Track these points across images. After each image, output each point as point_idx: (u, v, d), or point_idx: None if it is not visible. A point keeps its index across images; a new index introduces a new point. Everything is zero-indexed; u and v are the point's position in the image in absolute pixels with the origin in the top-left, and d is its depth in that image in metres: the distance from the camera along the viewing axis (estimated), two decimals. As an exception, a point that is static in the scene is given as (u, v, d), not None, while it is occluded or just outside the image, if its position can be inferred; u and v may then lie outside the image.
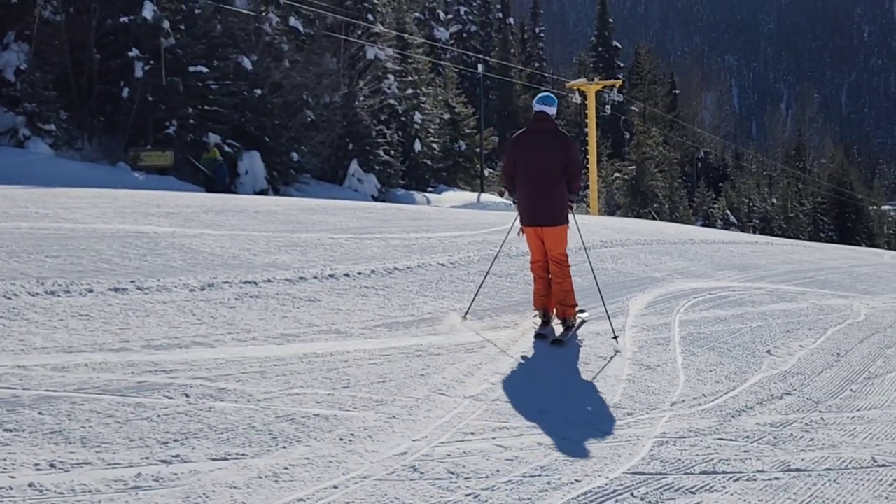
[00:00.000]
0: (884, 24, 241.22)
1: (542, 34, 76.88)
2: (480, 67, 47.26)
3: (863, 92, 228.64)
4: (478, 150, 45.68)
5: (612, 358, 6.83)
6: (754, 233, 52.11)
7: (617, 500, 4.20)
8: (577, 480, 4.37)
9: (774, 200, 68.74)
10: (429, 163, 41.45)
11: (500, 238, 11.76)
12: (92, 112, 26.71)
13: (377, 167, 34.50)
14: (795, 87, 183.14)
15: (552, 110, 7.30)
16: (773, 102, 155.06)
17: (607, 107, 49.45)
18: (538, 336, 7.21)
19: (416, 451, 4.53)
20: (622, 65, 71.88)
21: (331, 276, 8.19)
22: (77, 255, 7.59)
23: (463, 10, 64.33)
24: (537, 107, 7.33)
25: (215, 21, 29.28)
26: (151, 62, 26.09)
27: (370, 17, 37.07)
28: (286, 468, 4.13)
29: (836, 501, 4.50)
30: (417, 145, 39.70)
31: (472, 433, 4.88)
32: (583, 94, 45.48)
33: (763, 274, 13.12)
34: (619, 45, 72.58)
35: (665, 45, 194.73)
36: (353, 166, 33.57)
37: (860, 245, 54.98)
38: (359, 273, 8.48)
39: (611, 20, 73.78)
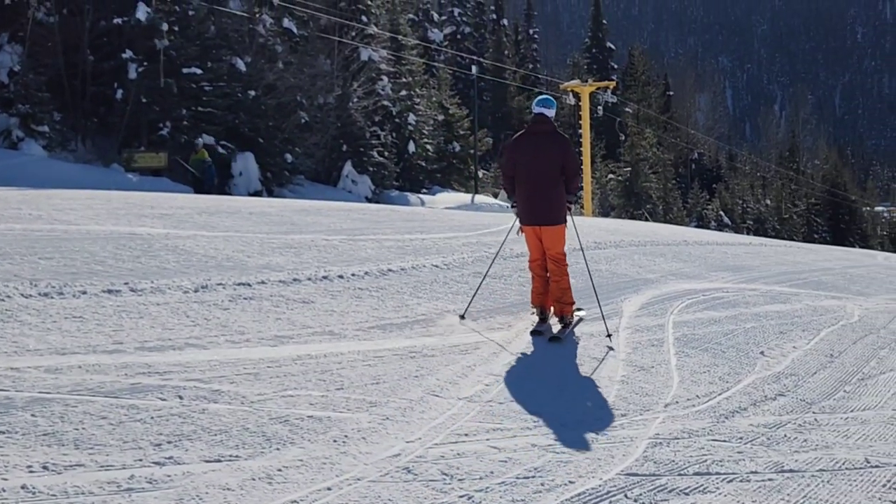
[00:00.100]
0: (877, 26, 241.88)
1: (536, 36, 76.97)
2: (474, 69, 47.31)
3: (856, 93, 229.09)
4: (472, 151, 45.67)
5: (606, 359, 6.84)
6: (748, 234, 52.21)
7: (611, 502, 4.20)
8: (570, 482, 4.38)
9: (768, 202, 68.88)
10: (423, 164, 41.42)
11: (493, 239, 11.78)
12: (85, 114, 26.66)
13: (371, 168, 34.47)
14: (789, 88, 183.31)
15: (551, 113, 7.46)
16: (766, 104, 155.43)
17: (599, 108, 49.43)
18: (535, 333, 7.29)
19: (410, 452, 4.53)
20: (616, 66, 71.94)
21: (325, 277, 8.18)
22: (70, 256, 7.58)
23: (457, 11, 64.35)
24: (536, 109, 7.48)
25: (209, 22, 29.23)
26: (145, 64, 26.04)
27: (364, 18, 37.02)
28: (280, 470, 4.12)
29: (830, 502, 4.51)
30: (411, 147, 39.67)
31: (466, 434, 4.89)
32: (577, 96, 45.44)
33: (757, 275, 13.14)
34: (612, 46, 72.63)
35: (659, 47, 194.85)
36: (347, 168, 33.53)
37: (854, 246, 55.08)
38: (353, 275, 8.48)
39: (604, 22, 73.87)
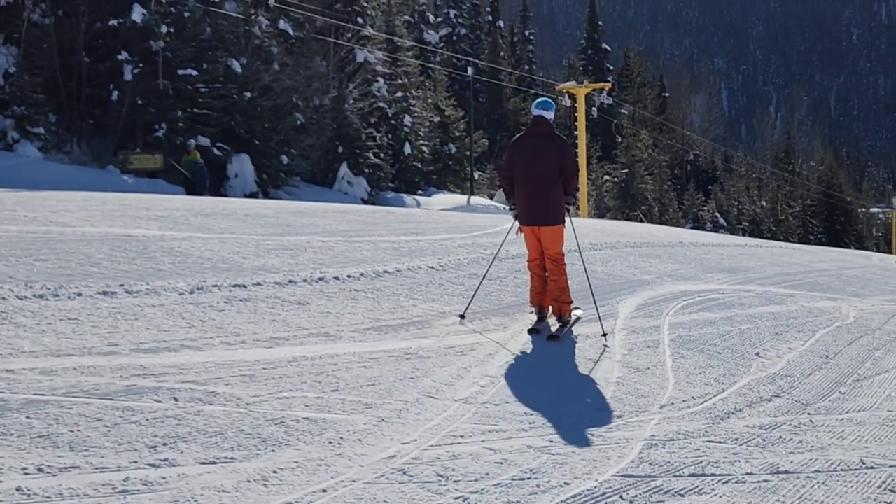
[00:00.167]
0: (872, 27, 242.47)
1: (531, 37, 77.08)
2: (470, 70, 47.31)
3: (852, 95, 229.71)
4: (467, 152, 45.69)
5: (601, 360, 6.84)
6: (744, 235, 52.29)
7: (606, 503, 4.20)
8: (566, 483, 4.38)
9: (764, 203, 68.99)
10: (418, 165, 41.45)
11: (489, 241, 11.79)
12: (81, 115, 26.64)
13: (367, 170, 34.49)
14: (784, 89, 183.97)
15: (550, 115, 7.58)
16: (762, 105, 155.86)
17: (595, 109, 49.49)
18: (533, 331, 7.34)
19: (406, 454, 4.53)
20: (612, 68, 72.00)
21: (320, 279, 8.18)
22: (66, 258, 7.57)
23: (453, 13, 64.41)
24: (535, 111, 7.57)
25: (205, 24, 29.22)
26: (141, 65, 26.03)
27: (360, 20, 37.05)
28: (275, 472, 4.12)
29: None
30: (407, 148, 39.69)
31: (462, 436, 4.88)
32: (572, 97, 45.48)
33: (752, 276, 13.16)
34: (608, 48, 72.68)
35: (654, 48, 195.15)
36: (343, 169, 33.55)
37: (849, 247, 55.21)
38: (348, 276, 8.47)
39: (600, 23, 73.89)
